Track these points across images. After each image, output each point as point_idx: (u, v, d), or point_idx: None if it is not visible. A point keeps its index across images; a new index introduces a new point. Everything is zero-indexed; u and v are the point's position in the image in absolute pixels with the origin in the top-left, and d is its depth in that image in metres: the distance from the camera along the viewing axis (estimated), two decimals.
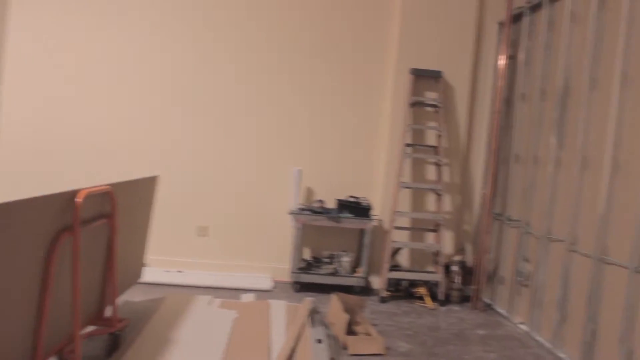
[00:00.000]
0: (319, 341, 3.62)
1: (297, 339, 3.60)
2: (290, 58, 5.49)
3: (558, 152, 4.27)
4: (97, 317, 3.18)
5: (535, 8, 4.92)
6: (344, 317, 3.85)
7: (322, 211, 5.20)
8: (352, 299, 4.23)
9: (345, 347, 3.74)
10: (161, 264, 5.36)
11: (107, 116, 5.33)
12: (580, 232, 3.89)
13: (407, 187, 5.31)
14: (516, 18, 5.23)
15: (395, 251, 5.38)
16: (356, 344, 3.73)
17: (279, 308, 4.26)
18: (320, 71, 5.53)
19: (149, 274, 5.01)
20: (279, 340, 3.59)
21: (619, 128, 3.55)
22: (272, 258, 5.54)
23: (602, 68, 3.83)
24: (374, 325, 4.31)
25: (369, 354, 3.69)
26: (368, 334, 3.96)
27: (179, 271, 5.30)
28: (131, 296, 4.44)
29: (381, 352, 3.72)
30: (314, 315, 4.21)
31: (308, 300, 4.35)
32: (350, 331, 3.95)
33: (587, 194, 3.86)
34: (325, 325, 4.07)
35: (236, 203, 5.50)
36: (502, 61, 5.15)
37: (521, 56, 5.05)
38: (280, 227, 5.53)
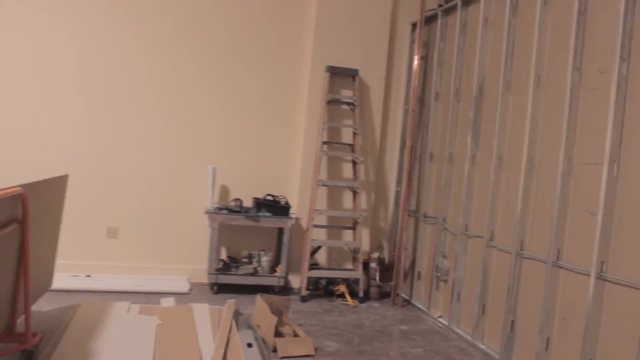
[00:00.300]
0: (250, 345, 3.52)
1: (227, 344, 3.48)
2: (204, 53, 5.29)
3: (474, 151, 4.44)
4: (7, 333, 2.88)
5: (448, 11, 5.08)
6: (272, 319, 3.77)
7: (240, 210, 5.08)
8: (276, 299, 4.15)
9: (274, 350, 3.67)
10: (68, 269, 4.97)
11: (5, 110, 4.87)
12: (498, 229, 4.06)
13: (324, 185, 5.29)
14: (429, 20, 5.38)
15: (315, 250, 5.36)
16: (286, 346, 3.66)
17: (202, 312, 4.09)
18: (235, 67, 5.38)
19: (55, 280, 4.64)
20: (208, 346, 3.45)
21: (534, 129, 3.74)
22: (187, 259, 5.32)
23: (515, 71, 4.01)
24: (300, 325, 4.27)
25: (299, 355, 3.64)
26: (295, 335, 3.91)
27: (88, 275, 4.95)
28: (38, 306, 4.08)
29: (311, 353, 3.68)
30: (238, 317, 4.10)
31: (231, 303, 4.22)
32: (277, 332, 3.87)
33: (503, 191, 4.03)
34: (252, 328, 3.96)
35: (148, 202, 5.23)
36: (416, 61, 5.28)
37: (434, 57, 5.21)
38: (196, 227, 5.33)
